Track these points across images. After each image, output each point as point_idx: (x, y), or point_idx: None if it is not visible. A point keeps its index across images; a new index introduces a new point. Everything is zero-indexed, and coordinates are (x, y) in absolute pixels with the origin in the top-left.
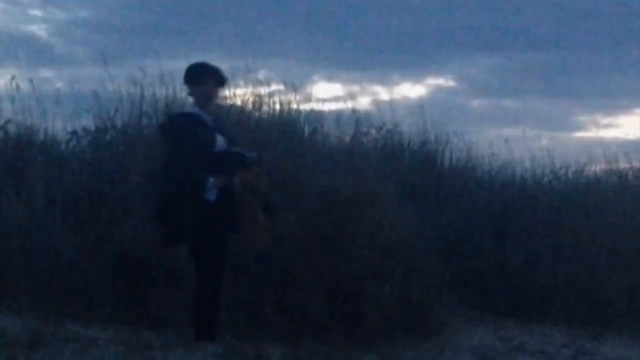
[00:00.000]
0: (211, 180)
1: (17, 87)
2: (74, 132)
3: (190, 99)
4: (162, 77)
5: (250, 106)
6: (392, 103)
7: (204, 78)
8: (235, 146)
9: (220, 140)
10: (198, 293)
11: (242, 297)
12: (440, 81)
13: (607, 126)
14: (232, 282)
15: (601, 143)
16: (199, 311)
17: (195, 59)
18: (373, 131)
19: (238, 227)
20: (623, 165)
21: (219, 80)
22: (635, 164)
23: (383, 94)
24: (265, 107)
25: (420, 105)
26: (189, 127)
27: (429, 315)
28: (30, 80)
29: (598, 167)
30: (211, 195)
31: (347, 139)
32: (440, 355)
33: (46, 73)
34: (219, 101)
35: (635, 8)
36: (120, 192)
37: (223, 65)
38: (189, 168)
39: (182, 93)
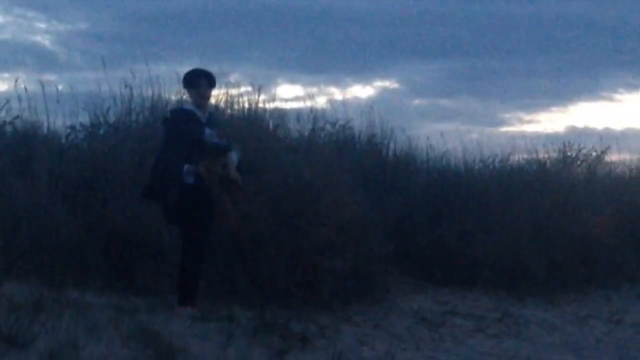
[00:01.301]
0: (186, 167)
1: (25, 88)
2: (72, 127)
3: (188, 98)
4: (149, 80)
5: (223, 105)
6: (344, 102)
7: (198, 81)
8: (223, 139)
9: (209, 134)
10: (182, 265)
11: (216, 268)
12: (386, 84)
13: (528, 122)
14: (213, 264)
15: (523, 136)
16: (183, 281)
17: (177, 64)
18: (328, 126)
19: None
20: (542, 155)
21: (210, 82)
22: (553, 154)
23: (337, 94)
24: (236, 106)
25: (369, 104)
26: (182, 122)
27: (376, 284)
28: (37, 82)
29: (521, 157)
30: (189, 179)
31: (306, 133)
32: (386, 317)
33: (49, 76)
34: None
35: (550, 21)
36: (112, 179)
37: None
38: (172, 156)
39: (166, 94)
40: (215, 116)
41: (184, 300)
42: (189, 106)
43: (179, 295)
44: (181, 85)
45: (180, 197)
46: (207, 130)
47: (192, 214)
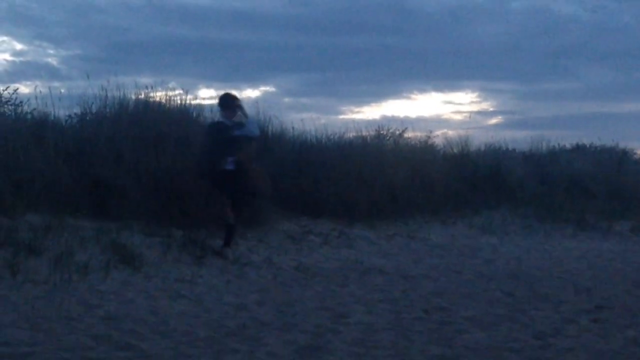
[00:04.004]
0: (229, 158)
1: (39, 91)
2: (69, 116)
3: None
4: (117, 86)
5: (164, 101)
6: (241, 100)
7: (229, 103)
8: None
9: (236, 133)
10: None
11: (161, 204)
12: (268, 88)
13: (357, 112)
14: (153, 196)
15: (353, 121)
16: (228, 232)
17: (136, 76)
18: None
19: (248, 181)
20: (365, 133)
21: (237, 103)
22: (371, 132)
23: (236, 95)
24: (172, 102)
25: (256, 101)
26: (217, 129)
27: (260, 214)
28: (47, 87)
29: (351, 134)
30: (230, 166)
31: (216, 118)
32: (266, 235)
33: (55, 84)
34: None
35: (372, 48)
36: (95, 148)
37: (150, 80)
38: (216, 152)
39: (130, 94)
40: (239, 122)
41: (228, 244)
42: (221, 118)
43: (228, 240)
44: (217, 104)
45: (225, 179)
46: (237, 131)
47: (233, 189)
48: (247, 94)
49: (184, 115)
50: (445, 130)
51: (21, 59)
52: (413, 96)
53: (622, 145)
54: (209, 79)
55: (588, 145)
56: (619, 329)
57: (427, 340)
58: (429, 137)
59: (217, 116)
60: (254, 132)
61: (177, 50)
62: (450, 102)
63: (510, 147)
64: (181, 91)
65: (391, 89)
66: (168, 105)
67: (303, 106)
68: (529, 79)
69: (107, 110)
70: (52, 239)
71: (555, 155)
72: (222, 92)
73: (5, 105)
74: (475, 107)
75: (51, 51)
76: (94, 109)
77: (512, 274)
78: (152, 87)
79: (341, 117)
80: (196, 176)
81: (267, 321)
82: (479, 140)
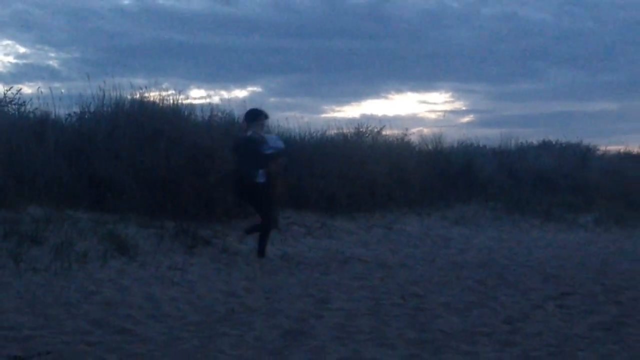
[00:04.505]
0: (261, 171)
1: (41, 92)
2: (69, 114)
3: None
4: (114, 86)
5: (158, 101)
6: (229, 100)
7: (256, 117)
8: (270, 147)
9: (264, 146)
10: (262, 223)
11: (156, 199)
12: (255, 89)
13: (338, 111)
14: (148, 190)
15: (335, 119)
16: (257, 230)
17: (131, 78)
18: (219, 114)
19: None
20: (345, 130)
21: (265, 117)
22: (352, 130)
23: (225, 95)
24: (166, 102)
25: (244, 101)
26: (245, 144)
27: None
28: (48, 88)
29: (333, 132)
30: (262, 178)
31: (206, 118)
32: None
33: (56, 84)
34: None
35: (352, 51)
36: (93, 145)
37: (145, 81)
38: (246, 166)
39: (125, 95)
40: (266, 135)
41: (249, 232)
42: (249, 133)
43: (251, 230)
44: (245, 118)
45: (256, 191)
46: (265, 146)
47: (265, 197)
48: (235, 94)
49: (177, 114)
50: (420, 128)
51: (24, 61)
52: (390, 96)
53: (585, 142)
54: (200, 80)
55: (554, 142)
56: (583, 315)
57: (404, 325)
58: (405, 134)
59: (235, 126)
60: (280, 145)
61: (170, 53)
62: (425, 102)
63: (481, 144)
64: (174, 91)
65: (370, 89)
66: (162, 105)
67: (288, 105)
68: (499, 80)
69: (105, 109)
70: (53, 230)
71: (523, 152)
72: (211, 92)
73: (9, 105)
74: (448, 107)
75: (52, 54)
76: (92, 108)
77: (483, 263)
78: (146, 88)
79: (323, 115)
80: (229, 190)
81: (254, 307)
82: (452, 137)
